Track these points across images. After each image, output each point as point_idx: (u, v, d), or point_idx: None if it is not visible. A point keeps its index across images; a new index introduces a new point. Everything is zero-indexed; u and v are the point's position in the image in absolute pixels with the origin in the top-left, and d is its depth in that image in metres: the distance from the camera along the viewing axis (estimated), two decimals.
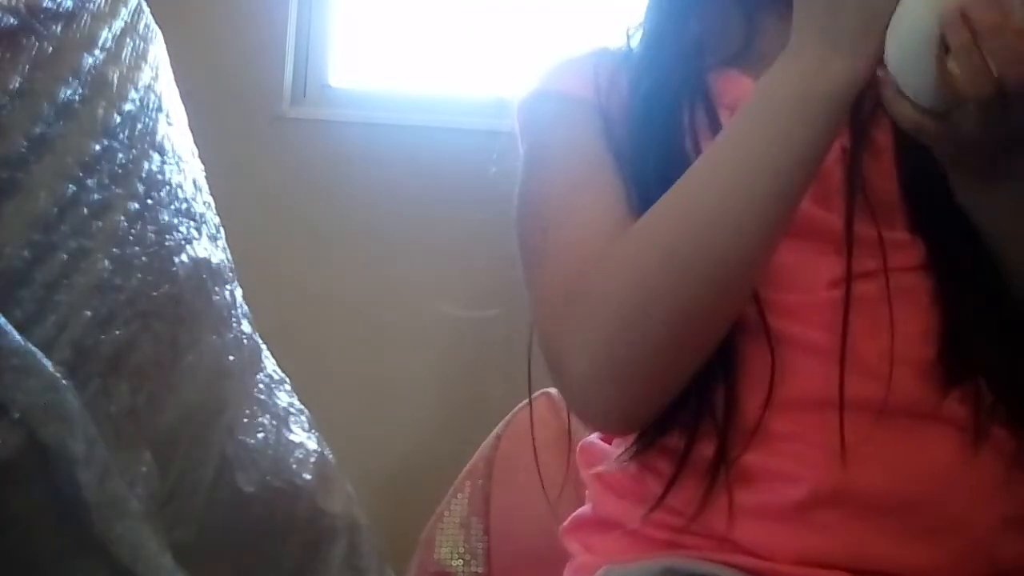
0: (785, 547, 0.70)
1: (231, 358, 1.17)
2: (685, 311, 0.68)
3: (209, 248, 1.17)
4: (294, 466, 1.23)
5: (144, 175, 1.04)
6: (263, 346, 1.31)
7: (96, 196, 0.95)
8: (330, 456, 1.35)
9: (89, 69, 0.99)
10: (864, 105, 0.73)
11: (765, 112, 0.68)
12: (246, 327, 1.25)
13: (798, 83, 0.67)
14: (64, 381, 0.83)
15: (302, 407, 1.36)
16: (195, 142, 1.24)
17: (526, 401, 1.01)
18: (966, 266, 0.74)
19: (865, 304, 0.72)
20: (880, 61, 0.65)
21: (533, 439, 0.91)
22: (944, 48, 0.61)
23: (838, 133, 0.70)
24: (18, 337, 0.81)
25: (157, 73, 1.13)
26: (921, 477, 0.70)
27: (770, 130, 0.67)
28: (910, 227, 0.75)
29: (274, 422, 1.24)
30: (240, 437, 1.13)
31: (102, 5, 1.03)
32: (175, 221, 1.09)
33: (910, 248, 0.74)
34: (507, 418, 1.17)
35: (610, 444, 0.83)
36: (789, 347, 0.72)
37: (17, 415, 0.79)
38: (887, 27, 0.65)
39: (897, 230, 0.75)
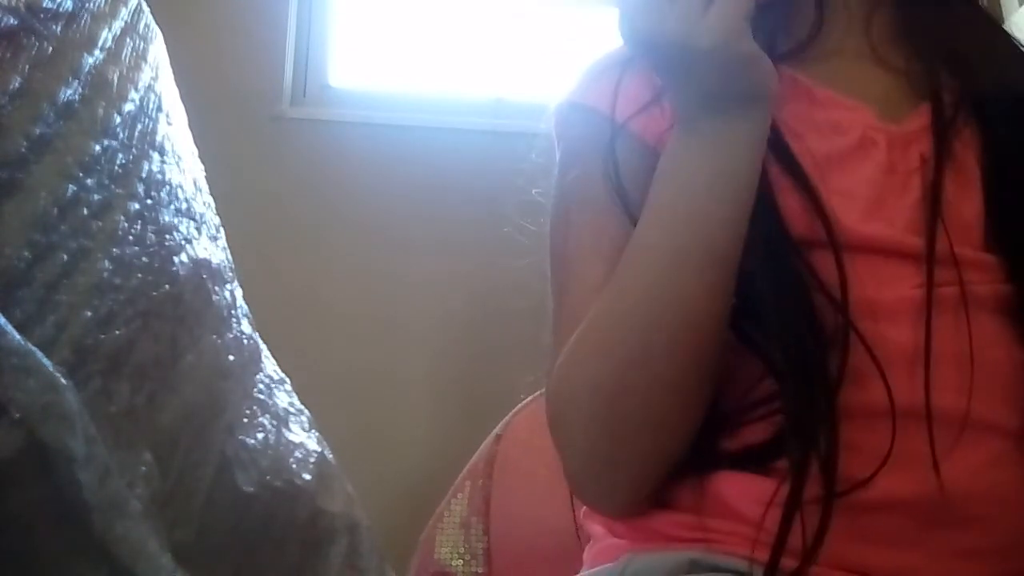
0: (826, 551, 0.67)
1: (231, 358, 1.16)
2: (649, 405, 0.69)
3: (209, 248, 1.16)
4: (294, 466, 1.23)
5: (144, 175, 1.04)
6: (263, 346, 1.31)
7: (96, 196, 0.95)
8: (330, 456, 1.35)
9: (89, 69, 0.98)
10: (944, 114, 0.72)
11: (682, 195, 0.69)
12: (246, 327, 1.25)
13: (706, 162, 0.68)
14: (64, 381, 0.83)
15: (302, 407, 1.36)
16: (195, 142, 1.24)
17: (526, 401, 1.01)
18: None
19: (943, 314, 0.70)
20: None
21: (537, 436, 0.91)
22: None
23: (889, 145, 0.70)
24: (18, 337, 0.81)
25: (157, 73, 1.13)
26: (985, 496, 0.68)
27: (692, 210, 0.68)
28: (988, 247, 0.73)
29: (274, 422, 1.24)
30: (240, 437, 1.13)
31: (102, 5, 1.03)
32: (175, 221, 1.09)
33: (987, 267, 0.72)
34: (507, 418, 1.18)
35: None
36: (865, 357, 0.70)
37: (17, 415, 0.79)
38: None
39: (974, 249, 0.73)
